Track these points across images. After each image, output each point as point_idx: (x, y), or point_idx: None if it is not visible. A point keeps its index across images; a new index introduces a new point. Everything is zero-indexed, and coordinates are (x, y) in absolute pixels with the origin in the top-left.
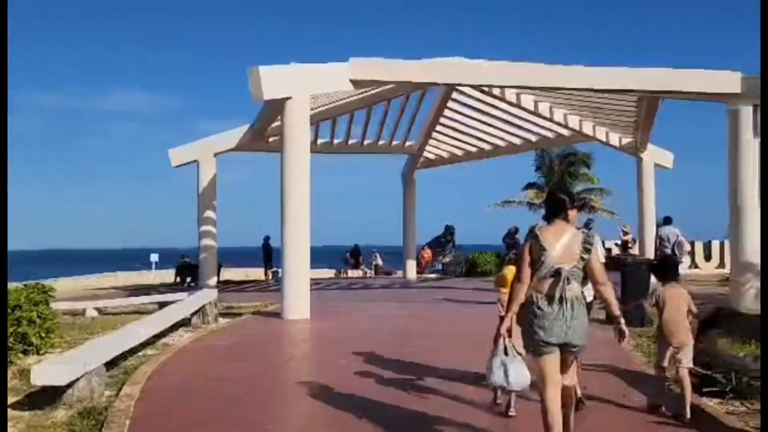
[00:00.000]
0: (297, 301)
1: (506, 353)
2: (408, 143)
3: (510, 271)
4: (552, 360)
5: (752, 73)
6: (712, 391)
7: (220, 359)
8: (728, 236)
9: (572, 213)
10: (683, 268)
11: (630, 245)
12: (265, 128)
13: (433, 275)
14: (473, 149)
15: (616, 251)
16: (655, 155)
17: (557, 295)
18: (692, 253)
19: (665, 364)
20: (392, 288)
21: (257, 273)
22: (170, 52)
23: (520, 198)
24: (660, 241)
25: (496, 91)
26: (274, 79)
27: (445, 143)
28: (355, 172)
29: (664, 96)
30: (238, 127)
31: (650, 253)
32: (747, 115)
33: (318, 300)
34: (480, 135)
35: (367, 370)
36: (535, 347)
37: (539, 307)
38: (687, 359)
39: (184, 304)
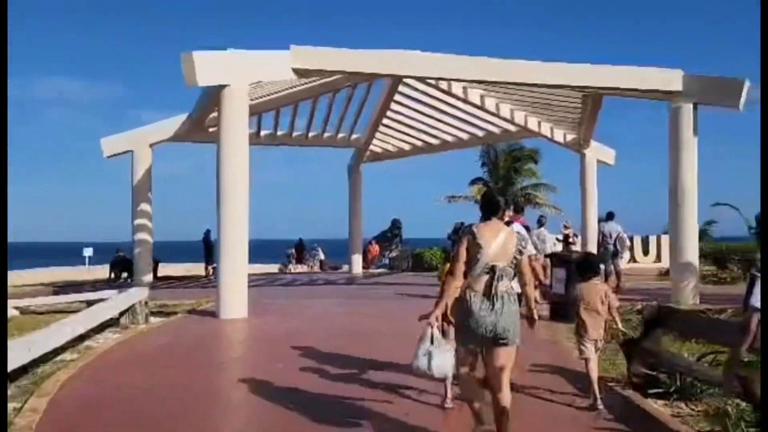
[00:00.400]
0: (234, 299)
1: (432, 342)
2: (354, 136)
3: None
4: (480, 353)
5: (693, 72)
6: (657, 392)
7: (147, 364)
8: (668, 233)
9: (508, 213)
10: (623, 263)
11: (571, 240)
12: (203, 118)
13: (379, 270)
14: (420, 143)
15: (558, 247)
16: (598, 152)
17: (490, 292)
18: (631, 248)
19: (588, 356)
20: (337, 284)
21: (198, 268)
22: (111, 38)
23: (466, 193)
24: (602, 236)
25: (443, 85)
26: (210, 66)
27: (391, 137)
28: (302, 164)
29: (607, 93)
30: (175, 117)
31: (593, 249)
32: (688, 113)
33: (258, 297)
34: (427, 129)
35: (308, 374)
36: (465, 341)
37: (472, 303)
38: (597, 349)
39: (113, 302)
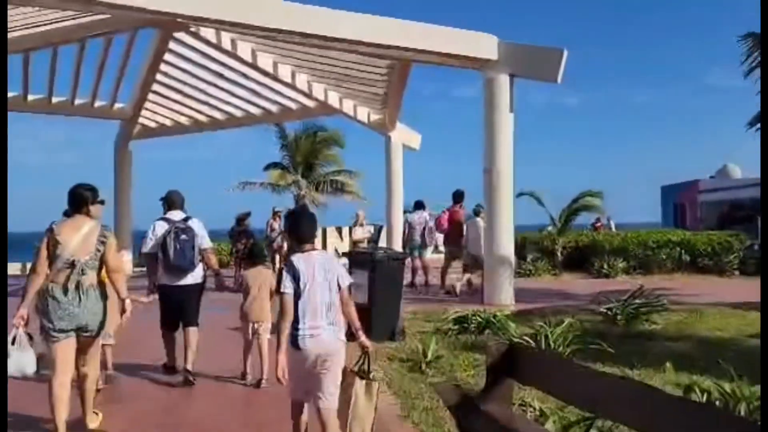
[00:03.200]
0: None
1: (13, 342)
2: (118, 105)
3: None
4: (64, 346)
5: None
6: None
7: None
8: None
9: (94, 208)
10: (428, 252)
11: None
12: None
13: None
14: (203, 118)
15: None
16: (404, 135)
17: (72, 285)
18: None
19: (249, 337)
20: None
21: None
22: None
23: (263, 179)
24: (409, 227)
25: (227, 45)
26: None
27: (167, 108)
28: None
29: (415, 57)
30: None
31: (398, 242)
32: (504, 85)
33: None
34: (210, 100)
35: None
36: (49, 334)
37: (54, 297)
38: (264, 330)
39: None
